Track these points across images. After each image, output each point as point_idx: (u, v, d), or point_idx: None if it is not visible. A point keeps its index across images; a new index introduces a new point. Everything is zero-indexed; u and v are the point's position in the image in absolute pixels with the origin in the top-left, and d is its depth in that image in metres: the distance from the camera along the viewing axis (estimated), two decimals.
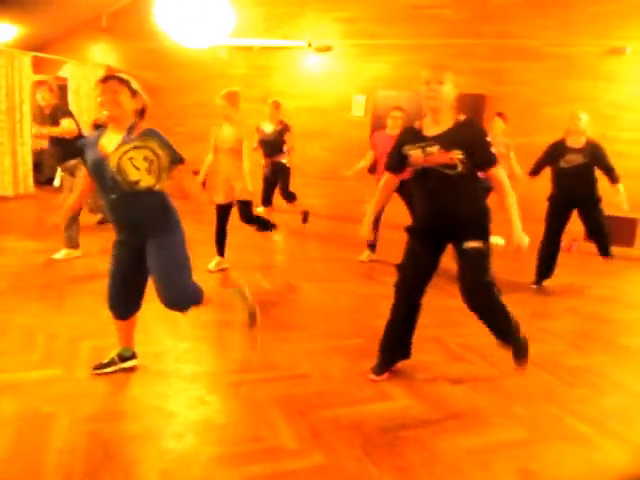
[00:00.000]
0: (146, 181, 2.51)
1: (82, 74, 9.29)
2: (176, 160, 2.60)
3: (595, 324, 4.27)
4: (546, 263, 5.10)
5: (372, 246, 5.72)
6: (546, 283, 5.16)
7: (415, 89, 7.54)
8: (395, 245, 5.92)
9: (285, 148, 6.71)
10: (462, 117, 2.74)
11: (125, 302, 2.77)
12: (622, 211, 5.06)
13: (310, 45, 8.24)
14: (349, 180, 8.25)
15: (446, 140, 2.66)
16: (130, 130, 2.55)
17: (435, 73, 2.66)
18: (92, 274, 4.54)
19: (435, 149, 2.67)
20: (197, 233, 6.39)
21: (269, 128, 6.59)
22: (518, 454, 2.37)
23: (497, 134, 6.22)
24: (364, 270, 5.42)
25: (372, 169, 5.79)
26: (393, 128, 5.45)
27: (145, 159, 2.49)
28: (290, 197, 6.95)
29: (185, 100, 9.17)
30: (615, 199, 4.91)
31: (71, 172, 4.89)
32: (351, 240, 6.80)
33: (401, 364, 3.12)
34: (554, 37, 7.00)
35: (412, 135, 2.82)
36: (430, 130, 2.75)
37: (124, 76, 2.62)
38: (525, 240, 2.73)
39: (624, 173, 5.02)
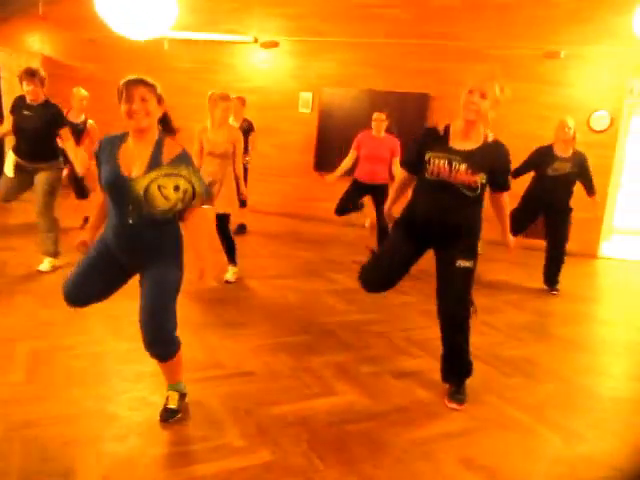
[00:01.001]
0: (173, 212, 2.25)
1: (17, 64, 8.86)
2: (205, 200, 2.31)
3: (532, 316, 4.45)
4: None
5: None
6: (490, 278, 5.33)
7: (361, 87, 7.69)
8: (349, 244, 5.94)
9: (249, 148, 6.38)
10: (491, 136, 2.68)
11: (83, 298, 2.44)
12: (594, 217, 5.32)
13: (256, 41, 8.17)
14: (296, 177, 8.30)
15: (475, 161, 2.58)
16: (158, 146, 2.24)
17: (480, 84, 2.54)
18: (28, 274, 4.35)
19: (463, 167, 2.58)
20: None
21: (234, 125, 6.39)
22: (460, 443, 2.44)
23: None
24: (311, 267, 5.44)
25: (350, 170, 5.71)
26: (379, 131, 5.48)
27: (176, 189, 2.20)
28: (243, 201, 6.67)
29: None
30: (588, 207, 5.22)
31: None
32: (298, 237, 6.82)
33: (347, 360, 3.15)
34: (493, 40, 7.23)
35: (436, 140, 2.69)
36: (458, 142, 2.64)
37: (149, 79, 2.27)
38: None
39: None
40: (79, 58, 8.94)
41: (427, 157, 2.66)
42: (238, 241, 4.80)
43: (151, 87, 2.24)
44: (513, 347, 3.69)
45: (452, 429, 2.56)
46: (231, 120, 6.30)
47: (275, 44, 8.09)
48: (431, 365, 3.24)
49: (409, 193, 2.94)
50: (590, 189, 5.13)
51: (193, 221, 2.35)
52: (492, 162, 2.63)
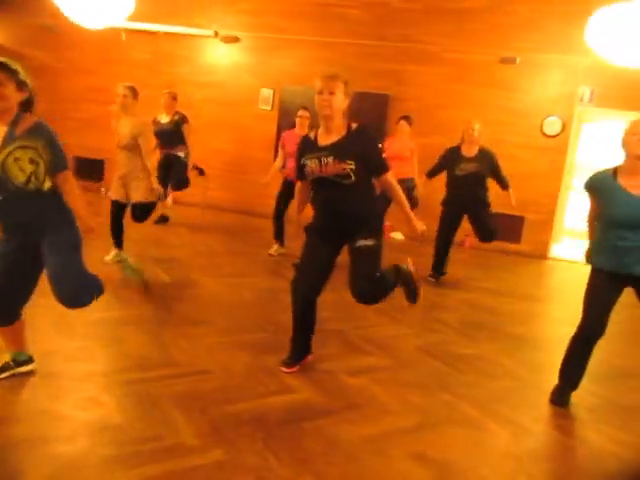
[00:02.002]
0: (34, 183, 2.34)
1: None
2: (59, 167, 2.41)
3: (485, 315, 4.56)
4: (440, 259, 5.38)
5: (280, 239, 5.75)
6: (444, 277, 5.44)
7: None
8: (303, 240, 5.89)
9: (186, 141, 6.39)
10: (354, 125, 2.83)
11: (8, 305, 2.52)
12: (511, 208, 5.45)
13: (217, 35, 8.08)
14: (254, 173, 8.24)
15: (339, 151, 2.76)
16: (14, 124, 2.31)
17: (327, 83, 2.72)
18: None
19: (330, 159, 2.76)
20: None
21: (165, 119, 6.35)
22: (412, 439, 2.48)
23: (403, 137, 6.47)
24: (268, 264, 5.42)
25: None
26: (301, 128, 5.51)
27: (31, 161, 2.30)
28: (182, 185, 6.52)
29: (81, 84, 8.67)
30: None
31: None
32: (256, 234, 6.79)
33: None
34: (451, 44, 7.37)
35: (308, 145, 2.90)
36: (324, 139, 2.84)
37: (10, 64, 2.33)
38: (422, 225, 2.97)
39: (515, 175, 5.40)
40: (30, 45, 8.64)
41: (303, 163, 2.89)
42: (162, 230, 4.80)
43: (8, 71, 2.29)
44: (465, 345, 3.78)
45: (405, 425, 2.60)
46: (163, 115, 6.27)
47: (236, 39, 8.02)
48: (386, 362, 3.28)
49: None
50: (502, 183, 5.31)
51: (61, 188, 2.46)
52: (358, 148, 2.77)
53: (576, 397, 3.04)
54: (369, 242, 2.85)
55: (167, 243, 5.83)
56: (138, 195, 4.60)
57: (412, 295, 3.19)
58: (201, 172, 6.85)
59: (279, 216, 5.73)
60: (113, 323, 3.51)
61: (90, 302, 2.55)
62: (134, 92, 4.59)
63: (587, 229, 3.12)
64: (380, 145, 2.91)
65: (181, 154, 6.36)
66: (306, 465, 2.21)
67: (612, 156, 3.02)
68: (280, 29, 7.92)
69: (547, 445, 2.60)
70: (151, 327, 3.45)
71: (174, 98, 6.41)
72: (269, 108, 8.16)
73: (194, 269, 4.95)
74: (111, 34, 7.81)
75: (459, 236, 5.70)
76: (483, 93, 7.38)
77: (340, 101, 2.75)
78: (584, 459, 2.51)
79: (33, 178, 2.32)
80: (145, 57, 8.47)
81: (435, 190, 5.52)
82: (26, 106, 2.40)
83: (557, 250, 7.63)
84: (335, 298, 3.91)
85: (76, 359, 2.91)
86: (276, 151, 8.07)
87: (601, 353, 3.84)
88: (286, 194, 5.61)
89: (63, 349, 3.02)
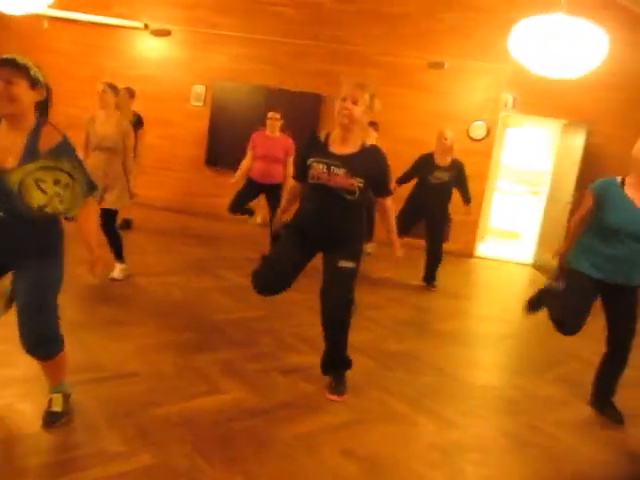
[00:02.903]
0: (53, 208, 2.05)
1: None
2: (92, 189, 2.16)
3: (414, 312, 4.69)
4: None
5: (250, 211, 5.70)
6: (375, 276, 5.54)
7: (255, 83, 7.65)
8: (240, 241, 5.90)
9: (138, 144, 6.08)
10: (369, 142, 2.80)
11: None
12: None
13: (147, 27, 7.84)
14: (186, 172, 8.08)
15: (353, 165, 2.68)
16: (35, 135, 2.03)
17: (353, 91, 2.65)
18: None
19: (341, 172, 2.68)
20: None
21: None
22: (342, 436, 2.51)
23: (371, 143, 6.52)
24: (200, 264, 5.33)
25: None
26: (273, 130, 5.45)
27: (57, 182, 2.02)
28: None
29: None
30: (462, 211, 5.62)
31: None
32: (188, 233, 6.65)
33: (235, 358, 3.13)
34: (382, 47, 7.52)
35: (318, 147, 2.79)
36: (337, 147, 2.74)
37: (19, 59, 2.02)
38: (402, 252, 3.06)
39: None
40: None
41: (309, 163, 2.77)
42: (123, 237, 4.58)
43: (20, 68, 2.01)
44: (395, 342, 3.87)
45: (335, 422, 2.63)
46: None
47: (167, 33, 7.81)
48: (318, 361, 3.29)
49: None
50: (466, 197, 5.50)
51: (82, 213, 2.23)
52: (369, 167, 2.74)
53: (498, 389, 3.19)
54: (350, 264, 2.79)
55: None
56: (118, 203, 4.32)
57: None
58: (127, 225, 6.30)
59: (233, 211, 5.59)
60: None
61: (55, 355, 2.24)
62: (115, 89, 4.31)
63: (571, 229, 3.13)
64: (389, 170, 2.87)
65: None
66: (237, 465, 2.19)
67: (534, 160, 3.18)
68: (213, 24, 7.79)
69: (471, 436, 2.70)
70: (75, 330, 3.29)
71: (132, 95, 6.02)
72: (201, 104, 8.01)
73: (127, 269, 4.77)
74: (32, 21, 7.41)
75: None
76: (412, 96, 7.57)
77: (362, 113, 2.68)
78: (504, 448, 2.63)
79: (57, 202, 2.04)
80: (69, 47, 8.09)
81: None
82: (43, 108, 2.13)
83: (483, 249, 7.96)
84: (269, 297, 3.89)
85: None
86: (208, 148, 7.97)
87: (523, 346, 4.04)
88: (246, 193, 5.54)
89: None
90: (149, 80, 8.03)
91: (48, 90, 2.15)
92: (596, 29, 4.36)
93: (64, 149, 2.08)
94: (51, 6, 5.64)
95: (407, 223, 5.38)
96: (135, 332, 3.42)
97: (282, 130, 5.49)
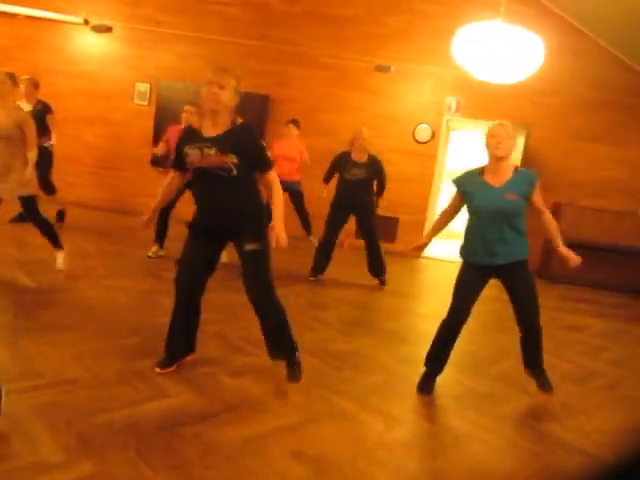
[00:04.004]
0: None
1: None
2: None
3: (361, 311, 4.74)
4: (322, 258, 5.51)
5: (160, 241, 5.54)
6: (322, 277, 5.56)
7: (199, 82, 7.54)
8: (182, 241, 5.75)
9: (50, 131, 6.06)
10: (239, 121, 2.82)
11: None
12: (386, 211, 5.74)
13: (87, 23, 7.59)
14: (129, 171, 7.88)
15: (223, 143, 2.72)
16: None
17: (217, 77, 2.69)
18: None
19: (212, 151, 2.71)
20: None
21: (26, 108, 5.87)
22: (291, 437, 2.51)
23: (291, 140, 6.56)
24: (144, 266, 5.20)
25: (155, 162, 5.58)
26: (186, 122, 5.35)
27: None
28: (48, 188, 6.19)
29: None
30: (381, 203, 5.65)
31: None
32: (131, 234, 6.48)
33: (181, 361, 3.07)
34: (329, 49, 7.58)
35: (192, 135, 2.84)
36: (209, 131, 2.79)
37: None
38: (284, 238, 2.79)
39: (389, 178, 5.66)
40: None
41: (185, 152, 2.82)
42: (22, 230, 4.50)
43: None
44: (343, 341, 3.89)
45: (285, 424, 2.62)
46: (23, 103, 5.84)
47: (108, 29, 7.59)
48: (266, 362, 3.27)
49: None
50: (381, 188, 5.62)
51: None
52: (240, 142, 2.76)
53: (443, 387, 3.26)
54: (254, 246, 2.82)
55: (29, 243, 5.37)
56: (20, 189, 4.25)
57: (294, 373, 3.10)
58: (60, 217, 6.35)
59: (163, 216, 5.50)
60: None
61: None
62: (12, 79, 4.23)
63: (435, 221, 3.44)
64: (264, 143, 2.89)
65: (46, 145, 5.96)
66: (182, 471, 2.15)
67: (477, 162, 3.31)
68: (157, 22, 7.64)
69: (416, 433, 2.75)
70: (10, 336, 3.16)
71: (35, 86, 6.00)
72: (146, 103, 7.83)
73: (61, 271, 4.60)
74: None
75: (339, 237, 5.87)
76: (359, 98, 7.66)
77: (228, 97, 2.72)
78: (449, 443, 2.69)
79: None
80: (2, 41, 7.74)
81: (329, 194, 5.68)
82: None
83: (429, 249, 8.11)
84: (215, 299, 3.84)
85: None
86: (155, 147, 7.78)
87: (465, 344, 4.15)
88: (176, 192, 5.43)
89: None
90: (90, 77, 7.79)
91: None
92: (533, 36, 4.55)
93: None
94: None
95: (335, 225, 5.51)
96: (75, 337, 3.30)
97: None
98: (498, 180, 3.01)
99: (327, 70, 7.63)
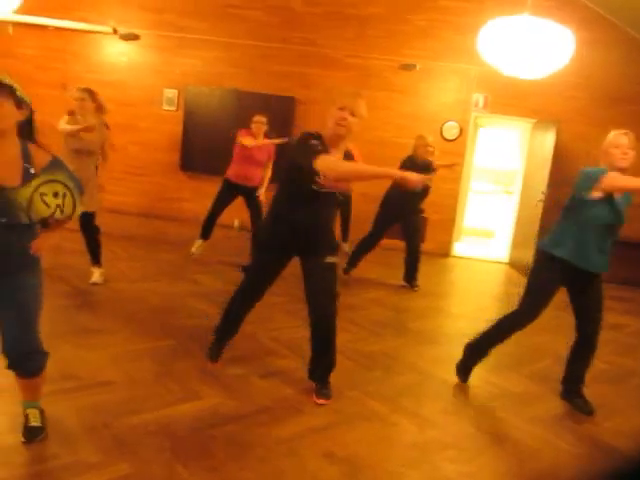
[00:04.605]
0: (56, 217, 2.13)
1: None
2: (80, 191, 2.19)
3: (391, 312, 4.72)
4: (358, 255, 5.54)
5: (205, 237, 5.65)
6: (354, 277, 5.56)
7: (227, 87, 7.62)
8: (214, 245, 5.84)
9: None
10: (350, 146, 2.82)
11: None
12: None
13: (116, 32, 7.74)
14: (159, 177, 8.00)
15: None
16: (26, 154, 2.06)
17: (352, 103, 2.66)
18: None
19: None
20: None
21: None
22: (323, 438, 2.51)
23: None
24: (175, 269, 5.28)
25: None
26: (258, 134, 5.42)
27: (56, 195, 2.10)
28: None
29: None
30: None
31: None
32: (162, 238, 6.58)
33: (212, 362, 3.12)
34: (353, 49, 7.56)
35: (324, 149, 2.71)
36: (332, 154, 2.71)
37: (6, 79, 2.04)
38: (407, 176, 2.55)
39: None
40: None
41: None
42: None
43: (6, 88, 2.01)
44: (373, 342, 3.88)
45: (316, 425, 2.63)
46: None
47: (136, 37, 7.72)
48: (297, 364, 3.29)
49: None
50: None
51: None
52: None
53: (477, 387, 3.22)
54: (335, 259, 2.85)
55: (63, 249, 5.49)
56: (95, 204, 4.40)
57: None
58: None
59: (212, 216, 5.58)
60: None
61: (41, 371, 2.27)
62: (91, 94, 4.30)
63: None
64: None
65: None
66: (217, 472, 2.17)
67: (506, 159, 3.24)
68: (183, 28, 7.74)
69: (449, 434, 2.72)
70: (49, 339, 3.21)
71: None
72: (174, 109, 7.94)
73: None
74: None
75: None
76: (385, 98, 7.62)
77: (356, 123, 2.68)
78: (483, 445, 2.66)
79: (58, 212, 2.12)
80: (33, 53, 7.94)
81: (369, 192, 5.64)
82: (28, 129, 2.13)
83: (458, 248, 8.05)
84: None
85: None
86: (182, 153, 7.88)
87: (498, 345, 4.07)
88: (224, 197, 5.54)
89: None
90: (118, 85, 7.93)
91: (32, 111, 2.16)
92: (562, 29, 4.46)
93: (57, 165, 2.14)
94: (16, 11, 5.52)
95: (383, 226, 5.47)
96: (110, 340, 3.37)
97: (266, 135, 5.48)
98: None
99: (351, 70, 7.61)
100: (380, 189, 5.52)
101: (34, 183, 2.06)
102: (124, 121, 7.94)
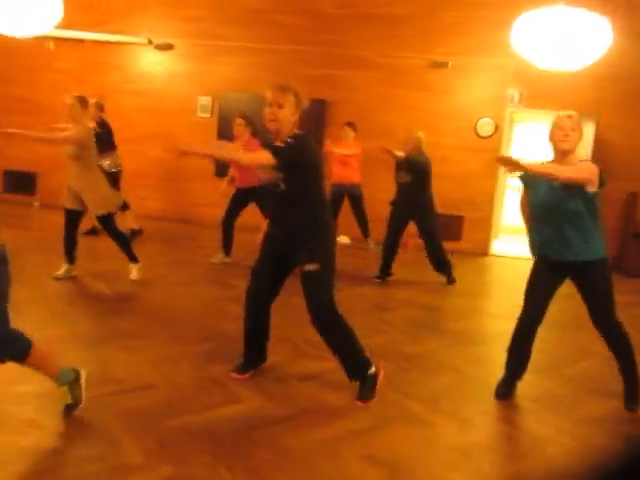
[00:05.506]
0: None
1: None
2: None
3: (427, 312, 4.66)
4: (387, 260, 5.45)
5: (226, 249, 5.68)
6: (388, 278, 5.53)
7: (261, 92, 7.68)
8: (248, 249, 5.88)
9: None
10: (347, 141, 2.83)
11: None
12: (451, 209, 5.61)
13: (150, 43, 7.91)
14: (195, 183, 8.12)
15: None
16: None
17: (276, 96, 2.70)
18: None
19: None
20: (28, 241, 5.81)
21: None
22: (362, 440, 2.50)
23: (348, 143, 6.56)
24: (211, 273, 5.35)
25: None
26: (240, 136, 5.55)
27: None
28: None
29: (3, 93, 8.27)
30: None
31: None
32: (197, 243, 6.68)
33: None
34: (383, 49, 7.52)
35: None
36: None
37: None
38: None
39: (446, 176, 5.55)
40: None
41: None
42: (94, 242, 4.74)
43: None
44: (410, 343, 3.84)
45: (355, 427, 2.62)
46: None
47: (170, 47, 7.88)
48: (334, 365, 3.28)
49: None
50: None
51: None
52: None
53: (519, 388, 3.15)
54: (313, 267, 2.77)
55: (102, 255, 5.64)
56: (95, 208, 4.57)
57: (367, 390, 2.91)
58: (132, 236, 6.21)
59: (228, 226, 5.65)
60: (50, 341, 3.33)
61: (22, 354, 2.35)
62: (82, 100, 4.51)
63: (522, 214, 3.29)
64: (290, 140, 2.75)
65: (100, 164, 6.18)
66: (258, 474, 2.19)
67: (543, 155, 3.17)
68: (215, 36, 7.85)
69: (492, 436, 2.68)
70: (90, 343, 3.33)
71: (101, 109, 6.41)
72: (208, 116, 8.06)
73: (134, 281, 4.80)
74: (36, 42, 7.50)
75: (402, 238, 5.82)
76: (416, 96, 7.56)
77: (288, 114, 2.71)
78: (528, 448, 2.59)
79: None
80: (73, 65, 8.18)
81: (379, 192, 5.62)
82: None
83: (497, 246, 7.90)
84: (279, 303, 3.89)
85: (10, 381, 2.76)
86: (217, 159, 7.97)
87: (539, 345, 3.99)
88: (237, 205, 5.62)
89: None
90: (153, 94, 8.10)
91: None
92: (599, 18, 4.33)
93: None
94: (56, 26, 5.70)
95: (395, 227, 5.42)
96: (150, 344, 3.43)
97: (253, 134, 5.49)
98: None
99: (381, 70, 7.58)
100: None
101: None
102: (160, 130, 8.11)
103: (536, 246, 3.03)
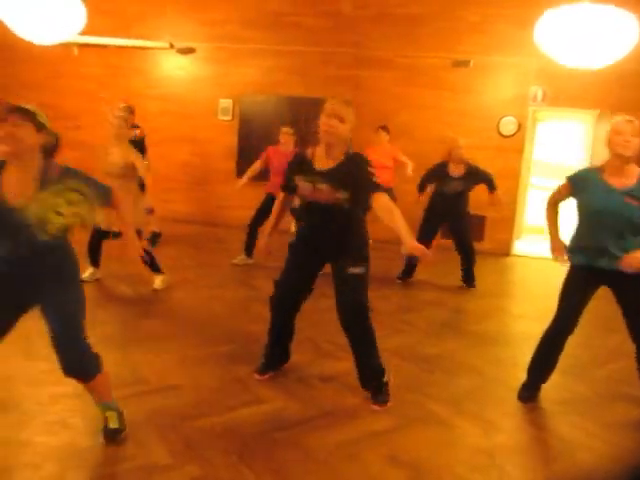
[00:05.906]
0: (72, 225, 2.21)
1: None
2: (105, 192, 2.33)
3: (449, 313, 4.64)
4: (413, 263, 5.42)
5: (248, 251, 5.74)
6: (409, 279, 5.52)
7: (281, 94, 7.73)
8: (273, 251, 5.90)
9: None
10: (351, 151, 2.77)
11: None
12: (472, 208, 5.57)
13: (172, 47, 8.01)
14: (218, 185, 8.20)
15: (335, 179, 2.68)
16: (44, 171, 2.17)
17: (339, 109, 2.65)
18: None
19: (324, 187, 2.69)
20: None
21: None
22: (385, 442, 2.51)
23: (383, 147, 6.55)
24: (236, 275, 5.40)
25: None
26: (285, 145, 5.65)
27: (70, 203, 2.16)
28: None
29: (28, 100, 8.41)
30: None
31: None
32: (222, 245, 6.74)
33: None
34: (403, 49, 7.49)
35: (303, 165, 2.82)
36: (321, 163, 2.75)
37: (28, 107, 2.21)
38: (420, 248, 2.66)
39: None
40: None
41: (296, 182, 2.82)
42: (121, 244, 4.73)
43: (25, 113, 2.16)
44: (432, 344, 3.83)
45: (377, 428, 2.63)
46: None
47: (191, 50, 7.96)
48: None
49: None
50: (491, 188, 5.40)
51: (113, 205, 2.42)
52: (351, 177, 2.68)
53: (545, 390, 3.12)
54: (359, 270, 2.80)
55: (127, 258, 5.72)
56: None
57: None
58: (153, 241, 6.23)
59: (254, 228, 5.71)
60: None
61: (94, 375, 2.30)
62: (130, 112, 4.64)
63: (548, 218, 3.15)
64: (371, 169, 2.71)
65: None
66: (282, 475, 2.21)
67: (568, 153, 3.11)
68: (236, 39, 7.91)
69: (518, 439, 2.66)
70: (118, 345, 3.39)
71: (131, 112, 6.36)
72: (229, 118, 8.12)
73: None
74: (60, 48, 7.64)
75: None
76: (438, 96, 7.51)
77: (346, 129, 2.68)
78: (556, 451, 2.57)
79: (76, 219, 2.19)
80: (96, 71, 8.32)
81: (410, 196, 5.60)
82: (49, 151, 2.26)
83: (519, 247, 7.81)
84: (304, 305, 3.91)
85: (41, 382, 2.83)
86: (239, 161, 8.04)
87: (566, 346, 3.94)
88: (266, 209, 5.64)
89: (26, 372, 2.94)
90: (175, 98, 8.20)
91: (57, 137, 2.30)
92: (625, 14, 4.26)
93: (67, 172, 2.22)
94: (79, 33, 5.81)
95: (428, 233, 5.35)
96: (176, 345, 3.48)
97: (296, 145, 5.57)
98: (621, 182, 2.72)
99: (402, 70, 7.56)
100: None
101: (42, 195, 2.12)
102: (183, 133, 8.21)
103: (578, 252, 2.89)
